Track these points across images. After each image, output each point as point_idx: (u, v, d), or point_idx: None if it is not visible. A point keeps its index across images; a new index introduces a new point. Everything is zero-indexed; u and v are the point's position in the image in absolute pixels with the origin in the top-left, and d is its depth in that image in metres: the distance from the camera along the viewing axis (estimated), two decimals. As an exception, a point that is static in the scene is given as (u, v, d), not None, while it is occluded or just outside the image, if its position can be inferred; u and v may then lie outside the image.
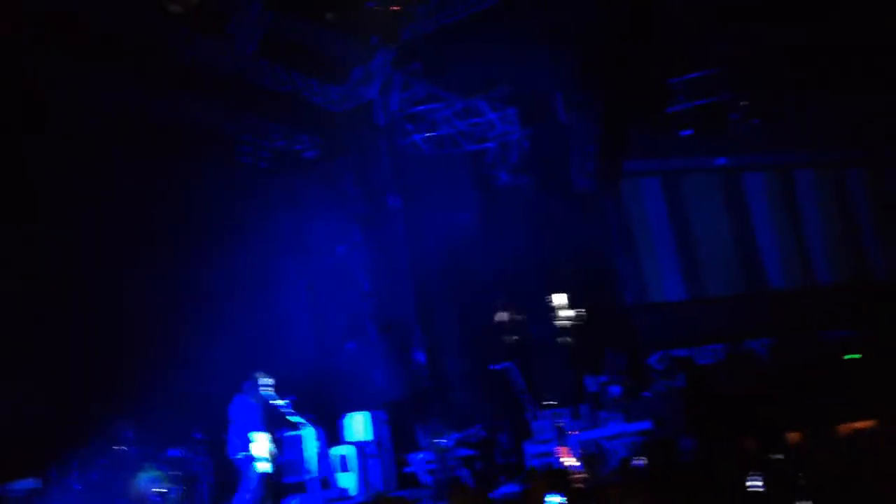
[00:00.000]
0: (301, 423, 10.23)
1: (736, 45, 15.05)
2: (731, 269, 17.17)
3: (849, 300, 16.23)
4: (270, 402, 9.95)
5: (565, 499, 8.58)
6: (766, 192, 17.64)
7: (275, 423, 10.01)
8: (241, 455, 9.69)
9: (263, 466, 9.57)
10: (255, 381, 9.97)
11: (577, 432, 12.92)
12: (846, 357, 14.06)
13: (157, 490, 10.85)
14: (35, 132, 11.61)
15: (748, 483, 8.52)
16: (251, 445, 9.62)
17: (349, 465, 12.85)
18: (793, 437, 11.37)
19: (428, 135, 16.04)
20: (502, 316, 16.01)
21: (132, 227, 12.75)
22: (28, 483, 9.87)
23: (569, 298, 16.85)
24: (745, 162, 17.59)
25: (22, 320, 11.11)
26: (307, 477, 11.30)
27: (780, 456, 9.40)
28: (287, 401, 9.98)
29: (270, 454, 9.68)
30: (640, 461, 11.59)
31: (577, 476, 12.03)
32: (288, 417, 10.00)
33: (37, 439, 10.50)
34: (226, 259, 13.68)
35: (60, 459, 10.82)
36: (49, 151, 11.70)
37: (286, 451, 9.88)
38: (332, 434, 13.19)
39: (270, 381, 10.06)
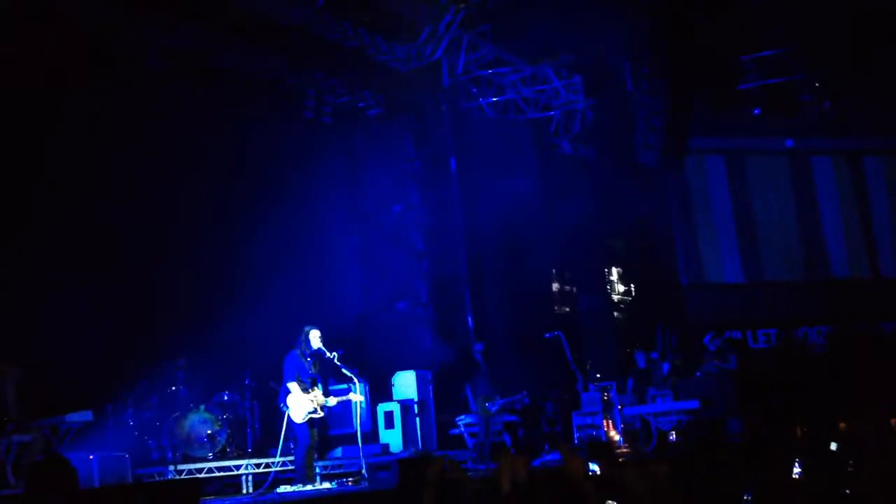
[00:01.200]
0: (349, 376, 10.28)
1: (812, 23, 14.65)
2: (792, 253, 16.88)
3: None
4: (320, 355, 10.02)
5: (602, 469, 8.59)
6: (833, 178, 17.26)
7: (324, 376, 10.10)
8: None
9: (301, 417, 9.67)
10: (306, 333, 10.03)
11: (622, 406, 12.86)
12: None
13: (206, 431, 11.01)
14: (98, 77, 11.67)
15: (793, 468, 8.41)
16: (289, 397, 9.73)
17: (394, 422, 12.95)
18: (845, 427, 11.19)
19: (493, 99, 15.92)
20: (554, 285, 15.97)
21: (190, 174, 12.83)
22: (84, 415, 10.06)
23: (623, 272, 16.75)
24: (814, 145, 17.21)
25: (83, 260, 11.26)
26: (352, 430, 11.39)
27: (833, 445, 9.23)
28: (335, 354, 10.04)
29: (319, 405, 9.78)
30: (679, 437, 11.55)
31: (620, 450, 12.03)
32: (339, 370, 10.06)
33: (95, 376, 10.70)
34: (283, 210, 13.76)
35: (116, 396, 11.04)
36: (111, 97, 11.76)
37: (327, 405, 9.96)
38: (378, 391, 13.28)
39: (320, 333, 10.12)
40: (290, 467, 10.36)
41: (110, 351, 10.96)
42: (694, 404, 12.14)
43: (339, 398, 10.12)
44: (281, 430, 9.99)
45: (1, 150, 10.59)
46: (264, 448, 11.58)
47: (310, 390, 9.78)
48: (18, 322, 10.08)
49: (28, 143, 10.87)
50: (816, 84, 15.41)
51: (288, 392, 9.74)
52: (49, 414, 9.94)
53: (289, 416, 9.72)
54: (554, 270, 16.74)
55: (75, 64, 11.34)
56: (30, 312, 10.18)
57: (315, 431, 9.85)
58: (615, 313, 16.69)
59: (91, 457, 9.19)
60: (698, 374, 13.01)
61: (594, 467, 8.96)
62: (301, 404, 9.69)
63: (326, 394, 10.03)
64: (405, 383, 13.50)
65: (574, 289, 16.90)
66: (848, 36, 14.76)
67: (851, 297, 16.03)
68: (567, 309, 16.69)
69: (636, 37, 14.64)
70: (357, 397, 10.40)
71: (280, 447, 10.10)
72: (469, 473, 11.28)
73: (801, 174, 17.16)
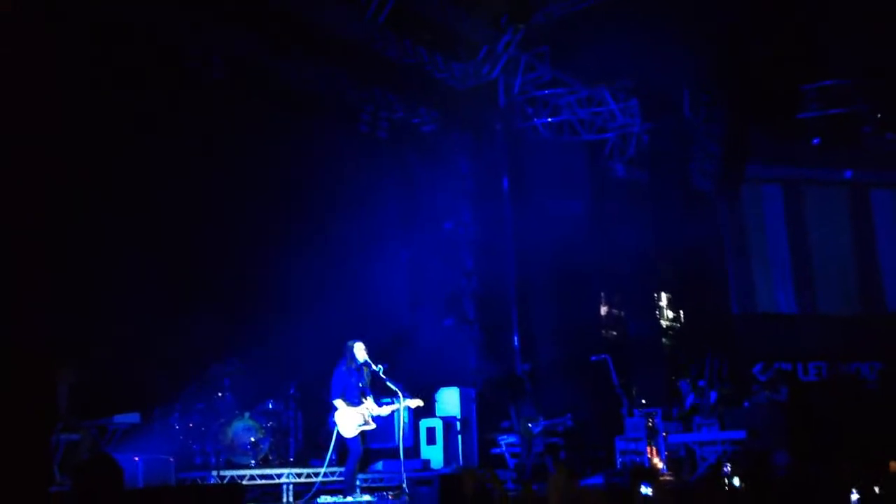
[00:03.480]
0: (394, 390, 10.33)
1: (876, 53, 14.42)
2: (847, 286, 16.61)
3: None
4: (366, 368, 10.08)
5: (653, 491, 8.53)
6: (893, 211, 16.96)
7: (370, 390, 10.17)
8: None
9: (352, 431, 9.72)
10: (350, 348, 10.10)
11: (667, 433, 12.70)
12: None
13: (250, 438, 11.11)
14: (161, 85, 11.88)
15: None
16: (336, 414, 9.80)
17: (435, 438, 12.95)
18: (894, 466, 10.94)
19: (548, 120, 15.93)
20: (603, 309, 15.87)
21: (242, 184, 12.97)
22: (131, 417, 10.25)
23: (672, 298, 16.59)
24: (874, 178, 16.92)
25: (136, 266, 11.41)
26: (394, 444, 11.42)
27: (880, 486, 9.06)
28: (380, 367, 10.09)
29: (366, 418, 9.83)
30: (728, 469, 11.38)
31: (663, 478, 11.88)
32: (385, 384, 10.11)
33: (144, 379, 10.88)
34: (334, 222, 13.87)
35: (163, 400, 11.21)
36: (171, 105, 11.94)
37: (376, 417, 10.01)
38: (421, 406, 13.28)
39: (364, 346, 10.19)
40: (333, 479, 10.42)
41: (159, 355, 11.14)
42: (741, 434, 11.95)
43: (391, 407, 10.15)
44: (329, 443, 10.04)
45: (62, 155, 10.79)
46: (306, 458, 11.66)
47: (361, 403, 9.84)
48: (72, 324, 10.28)
49: (87, 149, 11.07)
50: (878, 115, 15.13)
51: (335, 409, 9.81)
52: (98, 415, 10.15)
53: (338, 431, 9.78)
54: (603, 294, 16.64)
55: (142, 71, 11.57)
56: (83, 316, 10.37)
57: (365, 444, 9.93)
58: (663, 339, 16.52)
59: (136, 458, 9.33)
60: (746, 404, 12.81)
61: (647, 490, 8.90)
62: (350, 419, 9.75)
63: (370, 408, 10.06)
64: (449, 400, 13.52)
65: (623, 313, 16.78)
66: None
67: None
68: (615, 333, 16.57)
69: (696, 63, 14.54)
70: (412, 403, 10.40)
71: (327, 459, 10.16)
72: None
73: (859, 206, 16.89)
